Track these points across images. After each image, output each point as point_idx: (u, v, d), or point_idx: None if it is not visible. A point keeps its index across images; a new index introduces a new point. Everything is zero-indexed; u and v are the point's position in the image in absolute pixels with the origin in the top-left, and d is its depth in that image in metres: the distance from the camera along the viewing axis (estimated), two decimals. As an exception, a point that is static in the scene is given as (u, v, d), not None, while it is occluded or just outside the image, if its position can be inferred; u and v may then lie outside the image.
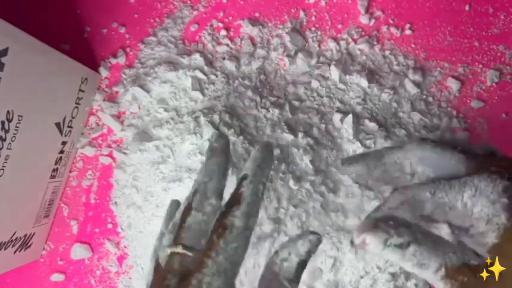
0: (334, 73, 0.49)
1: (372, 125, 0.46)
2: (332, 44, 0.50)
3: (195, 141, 0.43)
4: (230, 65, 0.49)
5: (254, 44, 0.51)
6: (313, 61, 0.50)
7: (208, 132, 0.43)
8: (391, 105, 0.49)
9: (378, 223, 0.25)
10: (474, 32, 0.50)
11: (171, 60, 0.50)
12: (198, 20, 0.52)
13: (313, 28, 0.51)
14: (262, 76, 0.49)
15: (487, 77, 0.50)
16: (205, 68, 0.49)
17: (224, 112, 0.45)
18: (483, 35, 0.50)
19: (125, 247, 0.47)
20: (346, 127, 0.46)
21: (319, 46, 0.50)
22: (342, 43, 0.50)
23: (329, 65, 0.49)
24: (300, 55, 0.49)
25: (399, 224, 0.26)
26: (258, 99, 0.47)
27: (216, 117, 0.44)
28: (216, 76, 0.49)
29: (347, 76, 0.49)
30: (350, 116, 0.46)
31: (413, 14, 0.51)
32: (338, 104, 0.48)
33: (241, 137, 0.43)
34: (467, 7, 0.51)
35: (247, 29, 0.51)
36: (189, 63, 0.49)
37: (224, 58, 0.50)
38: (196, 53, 0.49)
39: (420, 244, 0.26)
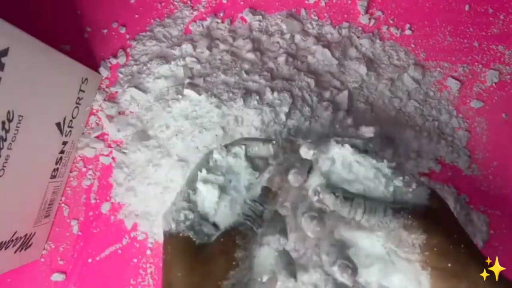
0: (333, 54, 0.49)
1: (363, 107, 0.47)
2: (332, 30, 0.51)
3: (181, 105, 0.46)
4: (223, 46, 0.49)
5: (251, 30, 0.51)
6: (312, 41, 0.50)
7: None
8: (387, 95, 0.49)
9: None
10: (474, 32, 0.50)
11: (162, 54, 0.50)
12: (198, 21, 0.52)
13: (313, 16, 0.51)
14: (256, 53, 0.49)
15: (486, 77, 0.50)
16: (194, 52, 0.49)
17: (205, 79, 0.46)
18: (483, 35, 0.50)
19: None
20: (340, 101, 0.47)
21: (318, 30, 0.51)
22: (344, 30, 0.51)
23: (328, 47, 0.49)
24: (298, 36, 0.50)
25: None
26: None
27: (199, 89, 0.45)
28: (204, 53, 0.49)
29: (345, 61, 0.49)
30: (346, 92, 0.46)
31: (413, 15, 0.51)
32: (335, 82, 0.48)
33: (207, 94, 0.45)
34: (466, 8, 0.51)
35: (247, 17, 0.51)
36: (180, 54, 0.49)
37: (218, 39, 0.50)
38: (185, 42, 0.49)
39: (363, 196, 0.30)
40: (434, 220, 0.29)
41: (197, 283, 0.28)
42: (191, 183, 0.32)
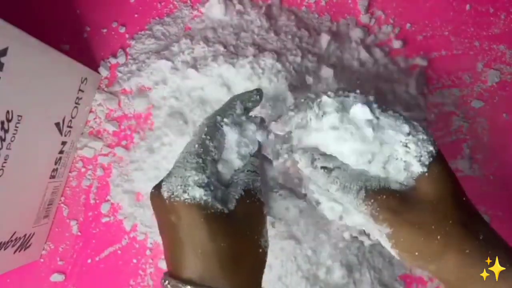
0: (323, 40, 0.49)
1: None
2: (328, 24, 0.51)
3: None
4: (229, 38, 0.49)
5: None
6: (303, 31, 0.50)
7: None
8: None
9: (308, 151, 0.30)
10: (475, 32, 0.50)
11: (161, 51, 0.49)
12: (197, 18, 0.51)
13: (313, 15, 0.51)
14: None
15: (487, 77, 0.49)
16: (192, 45, 0.48)
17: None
18: (484, 35, 0.50)
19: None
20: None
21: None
22: (342, 21, 0.51)
23: (319, 33, 0.49)
24: (298, 33, 0.49)
25: (326, 155, 0.30)
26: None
27: None
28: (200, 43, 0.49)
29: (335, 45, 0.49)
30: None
31: (414, 14, 0.51)
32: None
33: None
34: (467, 7, 0.51)
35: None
36: (179, 49, 0.49)
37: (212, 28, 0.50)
38: (183, 38, 0.49)
39: (344, 170, 0.29)
40: (408, 210, 0.27)
41: (238, 247, 0.28)
42: (213, 127, 0.31)
